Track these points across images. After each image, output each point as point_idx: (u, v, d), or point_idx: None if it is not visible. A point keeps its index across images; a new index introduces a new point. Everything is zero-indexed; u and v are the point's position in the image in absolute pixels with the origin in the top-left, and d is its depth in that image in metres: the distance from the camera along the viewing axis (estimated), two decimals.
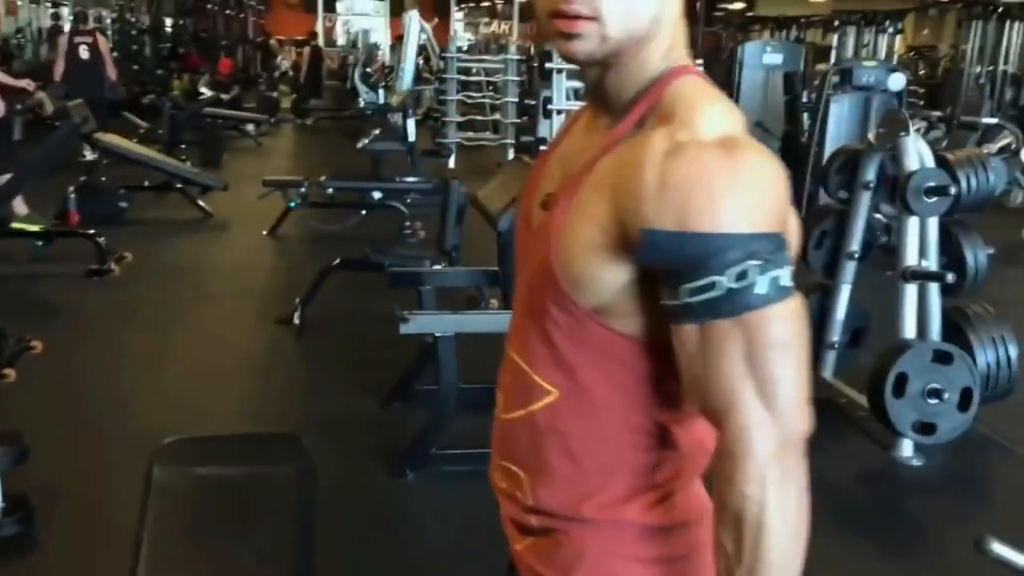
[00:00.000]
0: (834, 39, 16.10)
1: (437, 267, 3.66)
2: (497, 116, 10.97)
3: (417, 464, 3.17)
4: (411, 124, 8.19)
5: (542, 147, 4.38)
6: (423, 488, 3.13)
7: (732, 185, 0.86)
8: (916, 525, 3.16)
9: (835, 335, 3.82)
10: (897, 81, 6.67)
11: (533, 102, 6.48)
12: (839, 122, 6.70)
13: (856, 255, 3.70)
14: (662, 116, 0.92)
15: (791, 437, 0.87)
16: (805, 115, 7.22)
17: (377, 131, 8.94)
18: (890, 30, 15.35)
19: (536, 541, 1.06)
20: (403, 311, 3.06)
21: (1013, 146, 7.57)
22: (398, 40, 13.49)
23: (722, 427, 0.88)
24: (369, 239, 5.08)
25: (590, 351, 0.98)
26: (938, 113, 8.60)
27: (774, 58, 7.92)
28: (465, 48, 16.33)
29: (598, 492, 1.01)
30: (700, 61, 7.70)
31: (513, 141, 10.25)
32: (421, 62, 11.76)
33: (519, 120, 9.87)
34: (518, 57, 10.81)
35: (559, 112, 6.50)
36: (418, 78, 11.40)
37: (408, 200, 6.66)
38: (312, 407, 3.77)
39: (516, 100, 10.14)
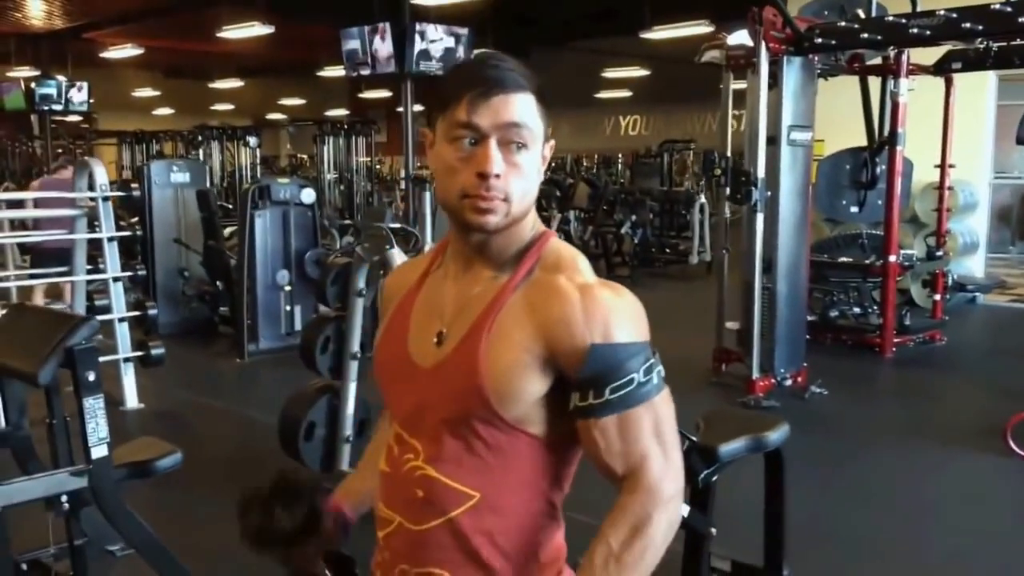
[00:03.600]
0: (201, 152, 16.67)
1: None
2: None
3: None
4: None
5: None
6: None
7: (628, 310, 1.19)
8: None
9: (348, 430, 4.17)
10: (308, 195, 7.39)
11: None
12: (264, 233, 7.16)
13: (358, 355, 4.13)
14: (550, 266, 1.22)
15: (680, 487, 1.20)
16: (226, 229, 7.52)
17: None
18: (251, 142, 16.45)
19: None
20: None
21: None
22: None
23: (636, 480, 1.16)
24: None
25: (509, 455, 1.20)
26: (349, 221, 9.60)
27: (181, 176, 8.07)
28: None
29: (518, 570, 1.22)
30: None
31: None
32: None
33: None
34: None
35: None
36: None
37: None
38: None
39: None
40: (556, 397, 1.19)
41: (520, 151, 1.18)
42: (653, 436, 1.18)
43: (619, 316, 1.17)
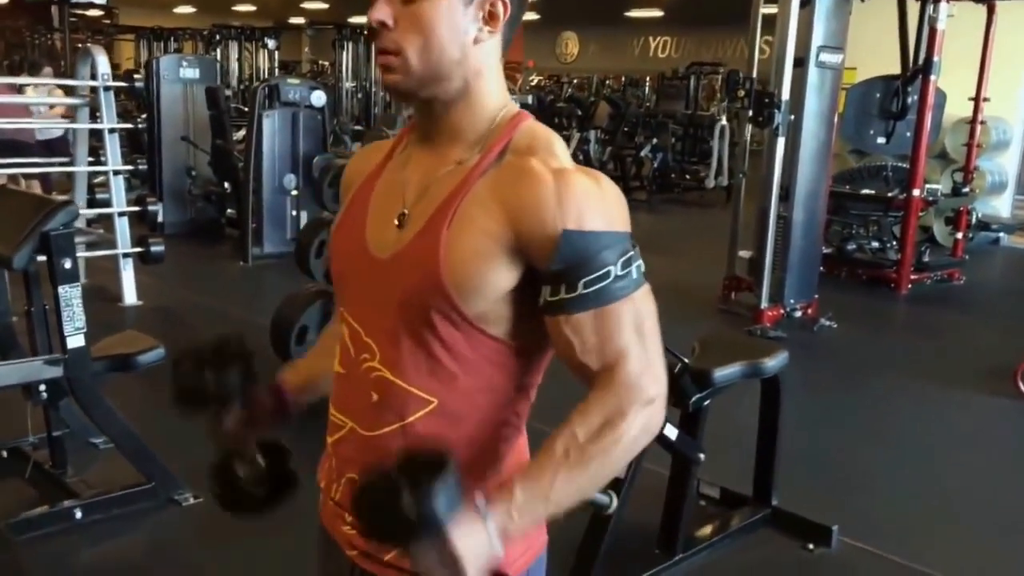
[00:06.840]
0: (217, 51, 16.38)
1: None
2: None
3: None
4: None
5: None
6: None
7: (606, 197, 1.06)
8: None
9: None
10: (319, 98, 7.20)
11: None
12: (272, 135, 7.00)
13: None
14: (522, 149, 1.08)
15: (663, 392, 1.07)
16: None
17: None
18: (270, 44, 16.15)
19: None
20: None
21: None
22: None
23: (612, 375, 1.04)
24: None
25: (469, 358, 1.08)
26: (361, 128, 9.40)
27: (191, 72, 7.88)
28: None
29: (476, 482, 1.09)
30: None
31: None
32: None
33: None
34: None
35: None
36: None
37: None
38: None
39: None
40: (523, 295, 1.07)
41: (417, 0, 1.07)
42: (634, 333, 1.06)
43: (596, 203, 1.05)
